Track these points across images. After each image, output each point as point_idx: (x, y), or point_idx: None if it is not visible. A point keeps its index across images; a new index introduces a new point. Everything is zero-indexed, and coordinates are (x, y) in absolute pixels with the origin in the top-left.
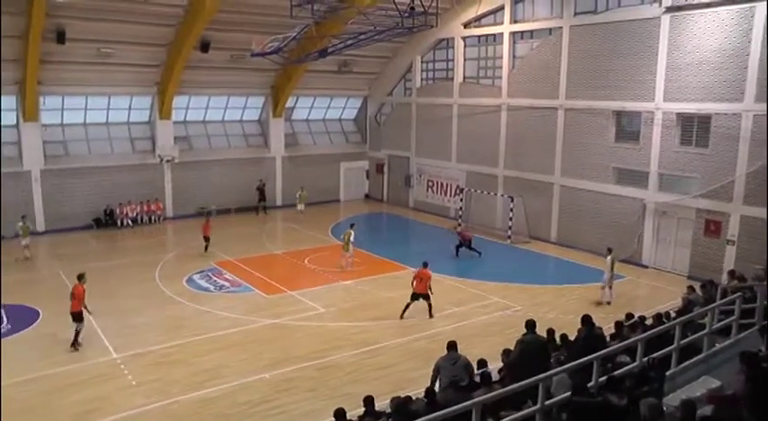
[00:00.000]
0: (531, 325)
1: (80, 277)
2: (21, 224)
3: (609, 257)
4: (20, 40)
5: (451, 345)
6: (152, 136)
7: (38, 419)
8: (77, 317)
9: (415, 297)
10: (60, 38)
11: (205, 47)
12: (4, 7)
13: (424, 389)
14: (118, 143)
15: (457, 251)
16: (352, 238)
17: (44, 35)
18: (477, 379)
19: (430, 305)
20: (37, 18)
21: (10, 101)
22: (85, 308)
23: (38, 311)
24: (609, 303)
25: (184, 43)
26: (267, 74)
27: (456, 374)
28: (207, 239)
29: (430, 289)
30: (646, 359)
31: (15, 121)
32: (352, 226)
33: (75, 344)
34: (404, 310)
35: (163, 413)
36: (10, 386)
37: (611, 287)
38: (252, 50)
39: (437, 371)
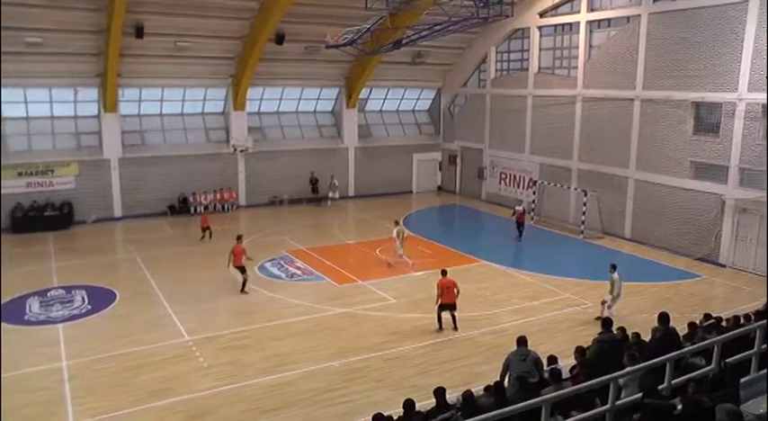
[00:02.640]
0: (607, 323)
1: (239, 238)
2: None
3: (614, 274)
4: (100, 35)
5: (522, 341)
6: (226, 126)
7: (116, 394)
8: (242, 270)
9: (444, 308)
10: (139, 32)
11: (280, 39)
12: (85, 4)
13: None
14: (193, 133)
15: (519, 232)
16: (405, 234)
17: (124, 30)
18: (547, 375)
19: (454, 316)
20: (117, 14)
21: (91, 93)
22: (248, 258)
23: (115, 293)
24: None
25: (259, 36)
26: (341, 65)
27: (526, 370)
28: (205, 230)
29: (457, 294)
30: (721, 362)
31: (96, 112)
32: (396, 222)
33: (243, 290)
34: (439, 322)
35: (233, 395)
36: (90, 362)
37: (609, 307)
38: (326, 42)
39: (507, 367)
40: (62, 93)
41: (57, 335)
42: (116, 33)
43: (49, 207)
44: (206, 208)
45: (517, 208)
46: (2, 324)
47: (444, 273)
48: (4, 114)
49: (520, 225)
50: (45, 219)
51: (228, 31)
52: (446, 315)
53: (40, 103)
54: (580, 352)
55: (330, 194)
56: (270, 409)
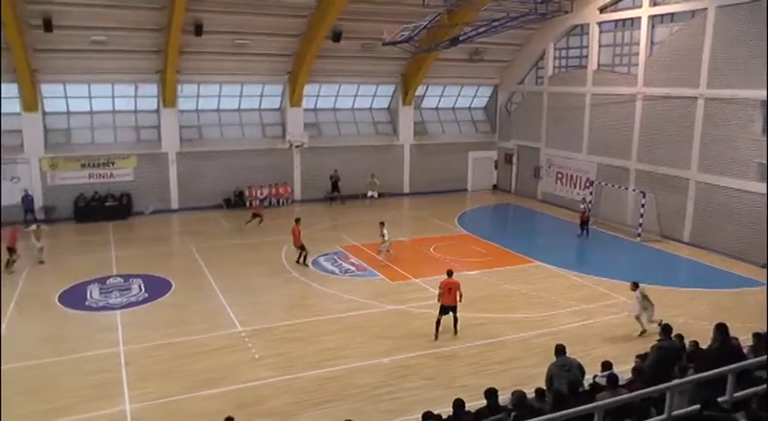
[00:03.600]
0: (668, 330)
1: (297, 220)
2: (34, 228)
3: (637, 292)
4: (160, 33)
5: (562, 350)
6: (283, 122)
7: (169, 381)
8: (302, 247)
9: (444, 310)
10: (198, 30)
11: (337, 37)
12: (147, 3)
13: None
14: (249, 128)
15: (581, 229)
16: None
17: (183, 28)
18: (603, 381)
19: (456, 319)
20: (178, 12)
21: (151, 88)
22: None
23: (170, 282)
24: (644, 331)
25: (317, 33)
26: (397, 62)
27: (573, 379)
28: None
29: (460, 298)
30: None
31: (156, 107)
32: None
33: (304, 263)
34: (437, 329)
35: (284, 387)
36: (145, 348)
37: (640, 318)
38: (383, 39)
39: (551, 380)
40: (123, 88)
41: (115, 321)
42: (176, 31)
43: (109, 198)
44: (261, 202)
45: (581, 206)
46: (65, 309)
47: (450, 273)
48: (71, 109)
49: (584, 223)
50: (105, 209)
51: (286, 28)
52: (447, 318)
53: (102, 98)
54: (641, 359)
55: (369, 193)
56: (319, 403)
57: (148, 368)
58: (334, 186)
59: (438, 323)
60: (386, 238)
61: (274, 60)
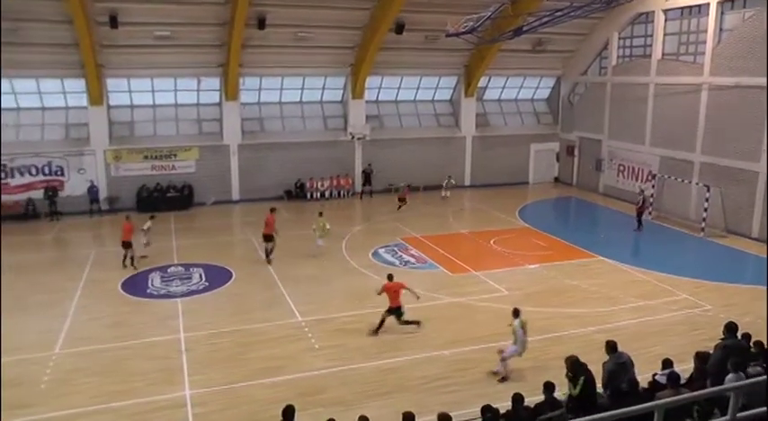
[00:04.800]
0: (732, 329)
1: (272, 210)
2: (149, 224)
3: (516, 321)
4: (224, 28)
5: (614, 346)
6: (344, 114)
7: (229, 368)
8: (268, 239)
9: (390, 312)
10: (261, 24)
11: (400, 28)
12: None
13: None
14: (311, 121)
15: (639, 222)
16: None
17: (246, 22)
18: (662, 379)
19: (404, 321)
20: (241, 7)
21: (214, 82)
22: (275, 233)
23: (231, 272)
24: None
25: (379, 26)
26: (460, 54)
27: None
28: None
29: (416, 296)
30: None
31: (218, 100)
32: (321, 214)
33: (268, 259)
34: (378, 327)
35: (343, 377)
36: (207, 336)
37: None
38: (446, 31)
39: (609, 378)
40: (186, 82)
41: (176, 309)
42: (239, 25)
43: (170, 189)
44: (323, 194)
45: (639, 197)
46: (127, 296)
47: (390, 277)
48: (135, 102)
49: (639, 215)
50: (167, 199)
51: (349, 20)
52: (391, 319)
53: (165, 92)
54: (701, 358)
55: (443, 193)
56: (379, 393)
57: (209, 355)
58: (367, 179)
59: (382, 321)
60: (326, 227)
61: (336, 53)
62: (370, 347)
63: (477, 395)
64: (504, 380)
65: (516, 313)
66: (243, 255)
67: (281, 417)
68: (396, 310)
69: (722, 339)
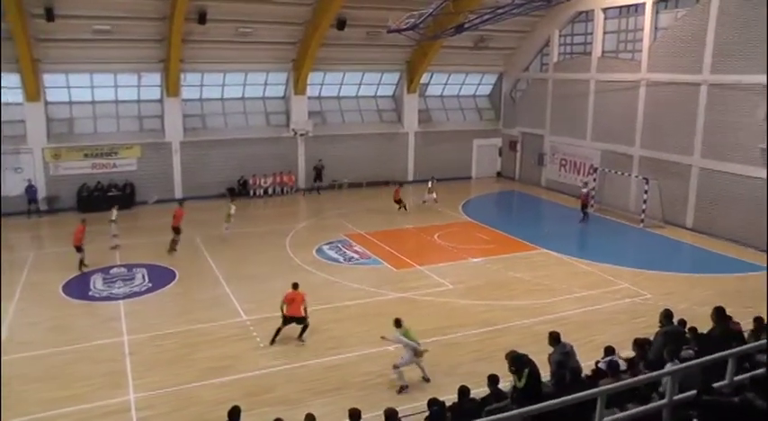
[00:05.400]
0: (669, 315)
1: (181, 202)
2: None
3: (398, 332)
4: (164, 22)
5: (558, 336)
6: (287, 110)
7: (175, 370)
8: (176, 230)
9: (286, 321)
10: (201, 19)
11: (341, 24)
12: None
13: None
14: (253, 117)
15: (584, 214)
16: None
17: (186, 16)
18: (605, 366)
19: (305, 328)
20: (181, 1)
21: (154, 78)
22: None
23: (174, 272)
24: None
25: (321, 21)
26: (402, 50)
27: (574, 366)
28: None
29: (305, 311)
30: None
31: (159, 97)
32: (232, 200)
33: (171, 249)
34: (275, 335)
35: (288, 375)
36: (151, 338)
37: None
38: (388, 27)
39: (557, 367)
40: (126, 78)
41: (118, 311)
42: (179, 20)
43: (112, 187)
44: (266, 191)
45: (582, 190)
46: (68, 299)
47: (296, 286)
48: (73, 98)
49: (584, 207)
50: (108, 198)
51: (291, 16)
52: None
53: (105, 88)
54: (639, 344)
55: (426, 196)
56: (325, 391)
57: (153, 357)
58: (318, 175)
59: (278, 331)
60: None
61: (278, 48)
62: (316, 345)
63: (423, 389)
64: (402, 389)
65: (398, 323)
66: (186, 254)
67: (227, 419)
68: (297, 319)
69: (661, 326)
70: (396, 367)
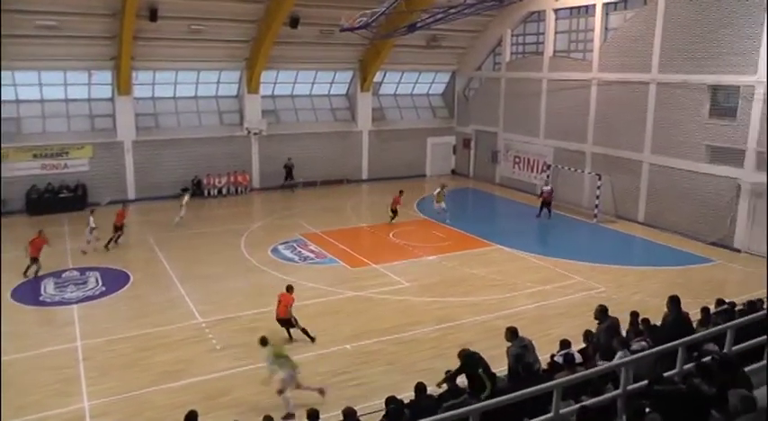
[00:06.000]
0: (604, 311)
1: (124, 204)
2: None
3: (267, 353)
4: (114, 19)
5: (515, 330)
6: (240, 109)
7: (130, 375)
8: (118, 228)
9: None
10: (153, 15)
11: (294, 22)
12: None
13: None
14: (206, 116)
15: (541, 210)
16: (185, 202)
17: (137, 13)
18: (560, 360)
19: (289, 331)
20: None
21: (105, 76)
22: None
23: (128, 275)
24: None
25: (274, 19)
26: (356, 49)
27: (530, 360)
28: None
29: (292, 315)
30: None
31: (110, 95)
32: (184, 190)
33: (116, 242)
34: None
35: (246, 377)
36: (105, 343)
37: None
38: (341, 25)
39: (516, 361)
40: (77, 76)
41: (71, 316)
42: (130, 16)
43: (63, 189)
44: (220, 191)
45: (544, 188)
46: (19, 304)
47: (289, 288)
48: (20, 97)
49: (547, 204)
50: (60, 200)
51: (243, 14)
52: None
53: (54, 86)
54: (588, 336)
55: (435, 205)
56: None
57: (107, 363)
58: (289, 174)
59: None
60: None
61: (231, 46)
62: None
63: (381, 387)
64: (288, 418)
65: (263, 342)
66: (140, 256)
67: None
68: (280, 321)
69: (599, 324)
70: (281, 392)
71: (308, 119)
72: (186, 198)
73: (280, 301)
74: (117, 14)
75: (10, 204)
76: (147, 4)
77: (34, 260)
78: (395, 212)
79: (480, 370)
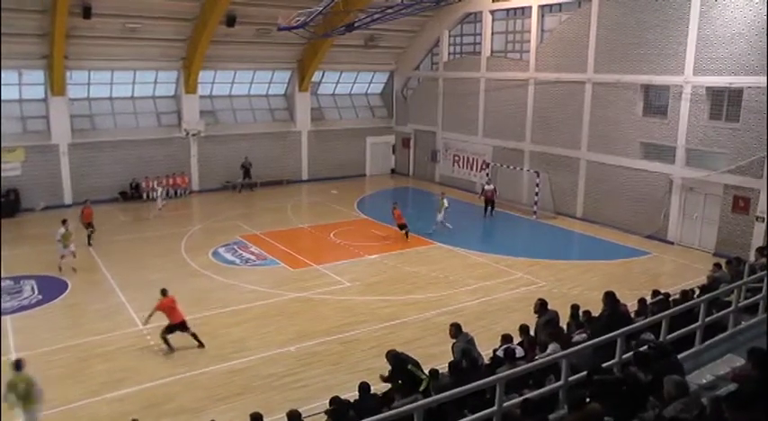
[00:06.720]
0: (544, 304)
1: (85, 201)
2: (63, 231)
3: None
4: (45, 15)
5: (459, 327)
6: (178, 110)
7: (69, 386)
8: (88, 226)
9: (172, 329)
10: (86, 13)
11: (231, 21)
12: None
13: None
14: (144, 117)
15: (486, 210)
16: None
17: (70, 10)
18: (501, 353)
19: (194, 335)
20: None
21: (38, 75)
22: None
23: (66, 282)
24: None
25: (210, 18)
26: (293, 48)
27: (475, 355)
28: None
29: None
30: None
31: (43, 96)
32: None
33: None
34: (168, 344)
35: (189, 383)
36: (42, 354)
37: None
38: (278, 25)
39: (463, 355)
40: (6, 75)
41: (5, 327)
42: (62, 13)
43: None
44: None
45: (486, 187)
46: None
47: (164, 292)
48: None
49: (491, 203)
50: None
51: (179, 12)
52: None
53: None
54: (524, 330)
55: (438, 216)
56: (227, 396)
57: (45, 374)
58: (246, 173)
59: (166, 339)
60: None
61: (167, 46)
62: (216, 350)
63: (326, 388)
64: None
65: (18, 366)
66: (78, 262)
67: None
68: (180, 326)
69: (539, 317)
70: None
71: (247, 119)
72: (62, 230)
73: (172, 308)
74: (48, 11)
75: None
76: (81, 0)
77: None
78: (404, 226)
79: (409, 365)
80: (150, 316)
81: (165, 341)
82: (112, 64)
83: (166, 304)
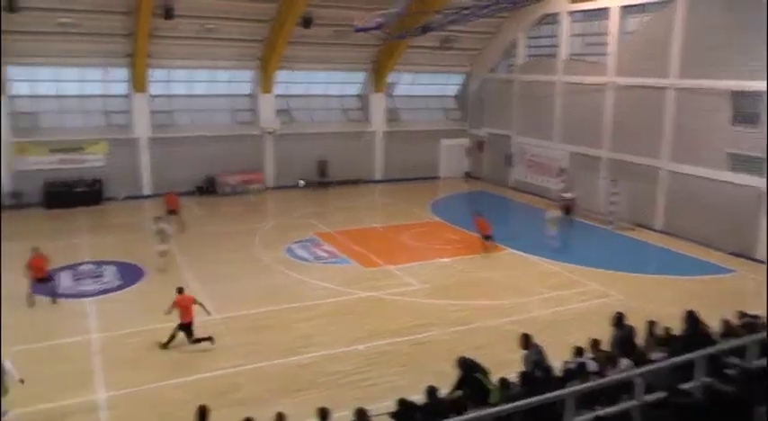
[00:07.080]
0: (621, 318)
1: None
2: (156, 227)
3: None
4: (130, 17)
5: (530, 338)
6: (254, 108)
7: (143, 369)
8: (174, 213)
9: (182, 328)
10: (168, 14)
11: (307, 23)
12: None
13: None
14: (221, 114)
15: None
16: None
17: (153, 11)
18: (574, 367)
19: (190, 335)
20: None
21: (122, 73)
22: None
23: (143, 270)
24: None
25: (287, 19)
26: (369, 49)
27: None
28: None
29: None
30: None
31: (126, 92)
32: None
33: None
34: (170, 340)
35: (257, 374)
36: (119, 336)
37: None
38: (354, 26)
39: (534, 367)
40: (93, 72)
41: (87, 308)
42: (146, 14)
43: (80, 183)
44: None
45: (564, 195)
46: (36, 296)
47: (180, 290)
48: (37, 92)
49: (568, 211)
50: (76, 195)
51: (256, 13)
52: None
53: (70, 82)
54: (596, 344)
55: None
56: (294, 390)
57: (122, 356)
58: (323, 172)
59: (174, 336)
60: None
61: (245, 46)
62: (285, 344)
63: (392, 388)
64: None
65: None
66: (155, 251)
67: (194, 418)
68: (186, 327)
69: (615, 331)
70: None
71: (322, 119)
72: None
73: (186, 307)
74: (133, 12)
75: (27, 197)
76: (163, 2)
77: (45, 280)
78: (489, 237)
79: (477, 374)
80: (170, 310)
81: (198, 341)
82: (191, 63)
83: (186, 302)
